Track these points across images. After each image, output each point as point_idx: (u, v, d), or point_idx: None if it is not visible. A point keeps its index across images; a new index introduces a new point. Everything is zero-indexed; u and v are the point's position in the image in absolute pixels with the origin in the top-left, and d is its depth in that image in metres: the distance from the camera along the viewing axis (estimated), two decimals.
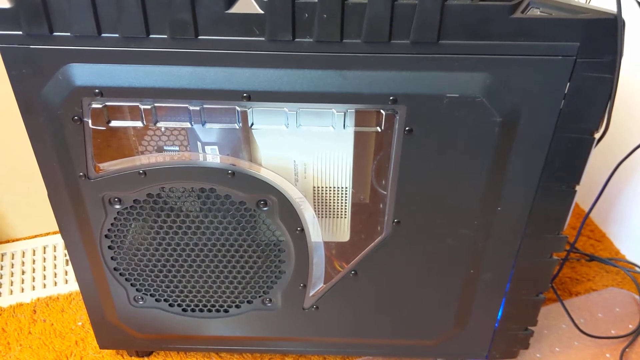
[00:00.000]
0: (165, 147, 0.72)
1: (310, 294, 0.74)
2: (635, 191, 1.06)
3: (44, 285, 1.00)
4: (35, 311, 0.94)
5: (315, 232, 0.69)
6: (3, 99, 0.95)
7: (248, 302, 0.76)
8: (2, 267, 1.03)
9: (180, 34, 0.54)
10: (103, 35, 0.54)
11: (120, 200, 0.65)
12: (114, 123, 0.60)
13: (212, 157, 0.65)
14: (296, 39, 0.54)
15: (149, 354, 0.87)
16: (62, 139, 0.60)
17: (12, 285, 1.00)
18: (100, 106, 0.58)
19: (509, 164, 0.61)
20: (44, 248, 1.08)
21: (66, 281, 1.00)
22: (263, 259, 0.71)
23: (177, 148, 0.72)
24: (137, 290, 0.75)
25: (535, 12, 0.54)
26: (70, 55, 0.55)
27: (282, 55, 0.55)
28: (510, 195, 0.63)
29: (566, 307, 0.87)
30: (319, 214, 0.70)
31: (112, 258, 0.71)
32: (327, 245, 0.72)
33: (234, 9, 0.53)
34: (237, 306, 0.76)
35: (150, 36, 0.54)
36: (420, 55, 0.54)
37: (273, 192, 0.64)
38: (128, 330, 0.80)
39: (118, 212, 0.66)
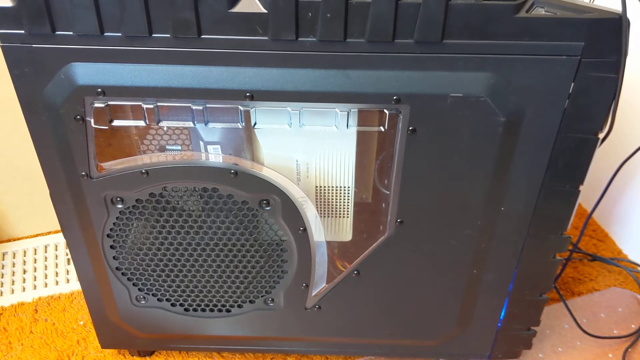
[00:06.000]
0: (167, 147, 0.72)
1: (313, 294, 0.74)
2: (638, 191, 1.06)
3: (46, 285, 1.00)
4: (36, 310, 0.94)
5: (318, 232, 0.68)
6: (5, 98, 0.94)
7: (250, 301, 0.75)
8: (3, 266, 1.03)
9: (183, 33, 0.53)
10: (105, 34, 0.54)
11: (122, 200, 0.65)
12: (117, 122, 0.60)
13: (215, 156, 0.64)
14: (299, 39, 0.54)
15: (150, 353, 0.87)
16: (64, 139, 0.60)
17: (13, 284, 1.00)
18: (102, 105, 0.58)
19: (512, 164, 0.61)
20: (46, 247, 1.07)
21: (68, 280, 1.00)
22: (265, 258, 0.71)
23: (179, 147, 0.72)
24: (139, 289, 0.75)
25: (540, 12, 0.54)
26: (72, 55, 0.55)
27: (285, 55, 0.55)
28: (513, 196, 0.63)
29: (569, 307, 0.87)
30: (321, 214, 0.70)
31: (114, 258, 0.71)
32: (330, 245, 0.72)
33: (237, 8, 0.53)
34: (240, 306, 0.76)
35: (153, 35, 0.54)
36: (424, 54, 0.54)
37: (275, 191, 0.64)
38: (130, 329, 0.79)
39: (120, 212, 0.66)
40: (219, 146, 0.65)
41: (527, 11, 0.53)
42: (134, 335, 0.80)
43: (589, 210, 1.08)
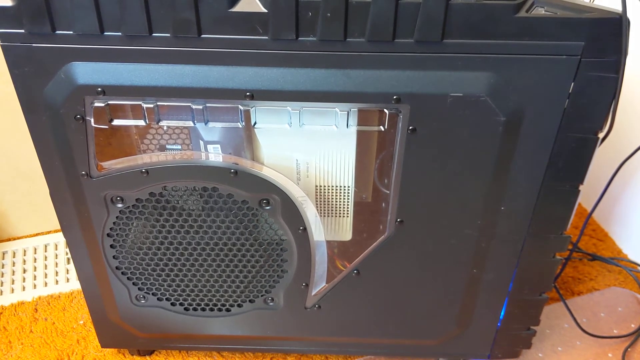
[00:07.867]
0: (167, 146, 0.72)
1: (313, 294, 0.74)
2: (638, 191, 1.06)
3: (45, 284, 1.00)
4: (36, 310, 0.94)
5: (318, 231, 0.68)
6: (5, 97, 0.94)
7: (250, 301, 0.75)
8: (3, 265, 1.03)
9: (183, 32, 0.53)
10: (106, 33, 0.54)
11: (122, 199, 0.65)
12: (117, 122, 0.60)
13: (215, 156, 0.64)
14: (299, 38, 0.54)
15: (150, 352, 0.87)
16: (64, 138, 0.60)
17: (13, 283, 1.00)
18: (102, 105, 0.58)
19: (512, 164, 0.61)
20: (46, 246, 1.07)
21: (67, 280, 1.00)
22: (265, 258, 0.71)
23: (179, 147, 0.72)
24: (139, 289, 0.75)
25: (540, 12, 0.53)
26: (72, 54, 0.55)
27: (285, 54, 0.55)
28: (513, 195, 0.63)
29: (569, 307, 0.87)
30: (321, 213, 0.70)
31: (114, 257, 0.71)
32: (330, 244, 0.72)
33: (237, 8, 0.53)
34: (239, 305, 0.76)
35: (153, 35, 0.54)
36: (424, 54, 0.54)
37: (275, 191, 0.64)
38: (130, 329, 0.79)
39: (120, 211, 0.66)
40: (219, 145, 0.65)
41: (527, 11, 0.53)
42: (134, 335, 0.80)
43: (589, 210, 1.08)
